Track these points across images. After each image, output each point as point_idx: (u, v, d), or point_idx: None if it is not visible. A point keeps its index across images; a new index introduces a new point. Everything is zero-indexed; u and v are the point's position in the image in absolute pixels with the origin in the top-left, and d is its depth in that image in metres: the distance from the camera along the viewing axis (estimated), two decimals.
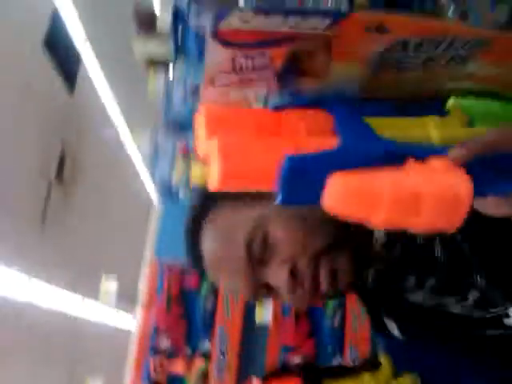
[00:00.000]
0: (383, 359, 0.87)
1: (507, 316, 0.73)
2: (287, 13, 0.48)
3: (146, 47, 3.50)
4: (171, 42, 1.75)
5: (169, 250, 1.64)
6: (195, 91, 1.79)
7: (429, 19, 0.57)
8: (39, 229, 4.17)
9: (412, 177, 0.46)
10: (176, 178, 1.86)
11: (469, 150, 0.48)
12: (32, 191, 4.15)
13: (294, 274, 0.69)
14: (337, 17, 0.50)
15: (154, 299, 1.90)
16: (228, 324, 1.89)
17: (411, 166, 0.48)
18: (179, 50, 1.76)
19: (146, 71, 3.68)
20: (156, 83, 1.70)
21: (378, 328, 0.88)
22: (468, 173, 0.47)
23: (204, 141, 0.52)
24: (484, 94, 0.64)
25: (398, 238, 0.73)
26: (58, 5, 4.29)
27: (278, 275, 0.69)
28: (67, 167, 4.53)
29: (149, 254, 1.83)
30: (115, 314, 4.71)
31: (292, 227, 0.69)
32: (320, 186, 0.46)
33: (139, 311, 1.83)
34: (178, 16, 1.68)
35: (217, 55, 0.51)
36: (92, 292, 4.54)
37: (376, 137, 0.51)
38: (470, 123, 0.60)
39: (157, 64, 3.67)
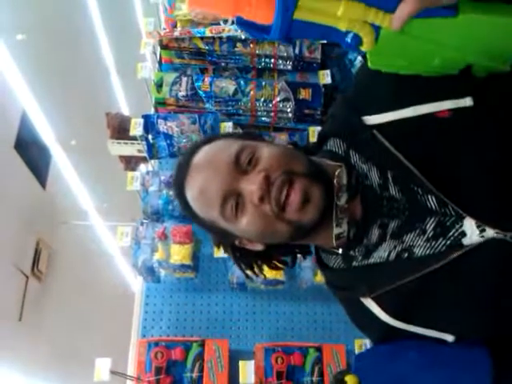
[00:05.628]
0: (349, 377, 0.85)
1: (464, 235, 0.73)
2: None
3: (120, 149, 3.73)
4: (144, 142, 2.00)
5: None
6: (167, 184, 2.00)
7: None
8: (17, 322, 4.16)
9: None
10: (157, 260, 2.05)
11: None
12: (9, 286, 4.17)
13: (266, 179, 0.77)
14: None
15: (144, 376, 2.02)
16: None
17: None
18: (152, 148, 2.02)
19: (121, 166, 3.88)
20: (133, 178, 1.94)
21: (362, 323, 0.90)
22: None
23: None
24: None
25: (358, 187, 0.81)
26: (27, 108, 4.56)
27: (253, 180, 0.78)
28: (43, 260, 4.60)
29: (134, 336, 1.95)
30: None
31: (276, 151, 0.82)
32: None
33: None
34: (147, 120, 1.98)
35: None
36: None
37: None
38: None
39: (131, 159, 3.88)
